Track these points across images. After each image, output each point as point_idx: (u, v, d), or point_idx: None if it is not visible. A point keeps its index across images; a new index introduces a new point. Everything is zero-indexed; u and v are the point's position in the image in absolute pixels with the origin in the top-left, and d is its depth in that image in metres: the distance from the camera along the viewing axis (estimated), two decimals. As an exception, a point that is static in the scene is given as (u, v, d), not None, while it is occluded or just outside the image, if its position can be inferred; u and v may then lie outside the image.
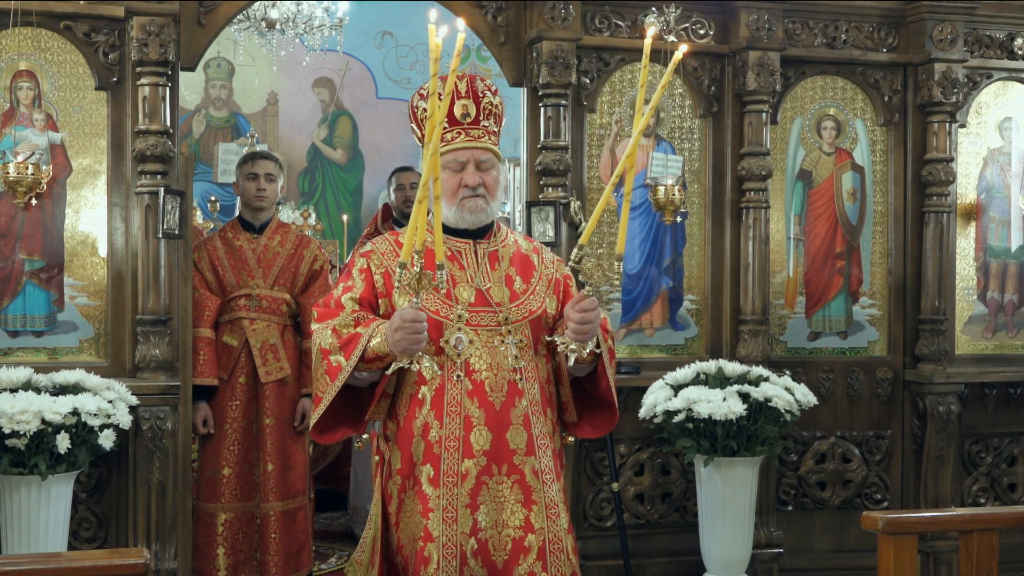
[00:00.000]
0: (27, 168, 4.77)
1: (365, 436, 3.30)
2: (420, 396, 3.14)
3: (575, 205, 5.42)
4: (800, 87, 5.86)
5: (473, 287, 3.20)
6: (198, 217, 9.33)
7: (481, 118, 3.21)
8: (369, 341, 3.03)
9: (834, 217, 5.90)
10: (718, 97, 5.74)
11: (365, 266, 3.23)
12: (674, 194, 5.47)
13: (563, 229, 5.40)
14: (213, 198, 10.38)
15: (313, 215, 11.05)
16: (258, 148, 9.78)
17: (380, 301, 3.20)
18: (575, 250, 2.98)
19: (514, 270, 3.27)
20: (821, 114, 5.89)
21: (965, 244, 6.03)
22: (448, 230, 3.22)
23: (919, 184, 5.93)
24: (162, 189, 4.93)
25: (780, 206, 5.82)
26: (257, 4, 9.28)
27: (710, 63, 5.72)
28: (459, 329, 3.12)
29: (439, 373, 3.07)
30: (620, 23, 5.58)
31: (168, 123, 4.98)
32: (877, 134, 5.96)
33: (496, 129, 3.26)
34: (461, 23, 2.82)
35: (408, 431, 3.16)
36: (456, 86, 3.16)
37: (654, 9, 5.53)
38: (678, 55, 2.90)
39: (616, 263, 2.97)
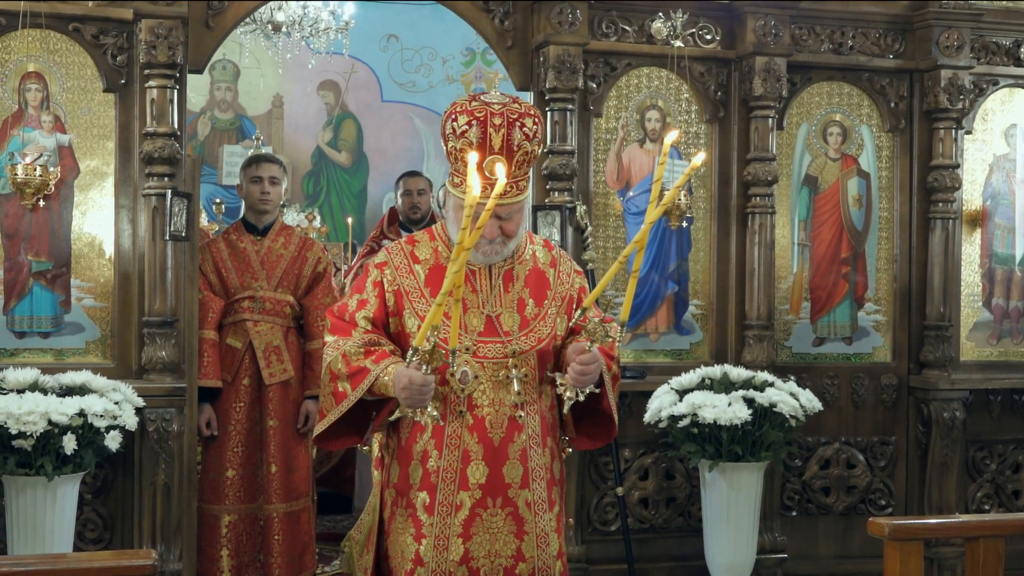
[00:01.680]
0: (35, 170, 4.79)
1: (365, 449, 3.35)
2: (423, 423, 3.16)
3: (581, 209, 5.43)
4: (806, 93, 5.86)
5: (484, 313, 3.19)
6: (203, 219, 9.33)
7: (512, 168, 3.09)
8: (377, 379, 3.05)
9: (840, 223, 5.90)
10: (724, 102, 5.74)
11: (379, 279, 3.21)
12: (680, 199, 5.47)
13: (569, 233, 5.41)
14: (218, 200, 10.38)
15: (318, 218, 11.06)
16: (263, 150, 9.80)
17: (391, 320, 3.21)
18: (578, 311, 3.05)
19: (528, 291, 3.25)
20: (827, 120, 5.90)
21: (970, 250, 6.03)
22: None
23: (925, 190, 5.93)
24: (169, 191, 4.94)
25: (786, 211, 5.83)
26: (263, 7, 9.29)
27: (716, 68, 5.72)
28: (466, 362, 3.12)
29: (442, 424, 3.12)
30: (627, 28, 5.59)
31: (176, 125, 4.99)
32: (883, 140, 5.96)
33: (527, 170, 3.16)
34: (502, 172, 2.81)
35: (408, 452, 3.20)
36: (490, 139, 3.05)
37: (661, 14, 5.54)
38: (696, 162, 2.91)
39: (620, 327, 3.01)
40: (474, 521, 3.16)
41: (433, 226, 3.34)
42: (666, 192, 3.03)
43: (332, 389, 3.14)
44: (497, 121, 3.05)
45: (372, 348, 3.13)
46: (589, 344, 3.02)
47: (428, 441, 3.15)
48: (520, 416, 3.18)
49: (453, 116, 3.09)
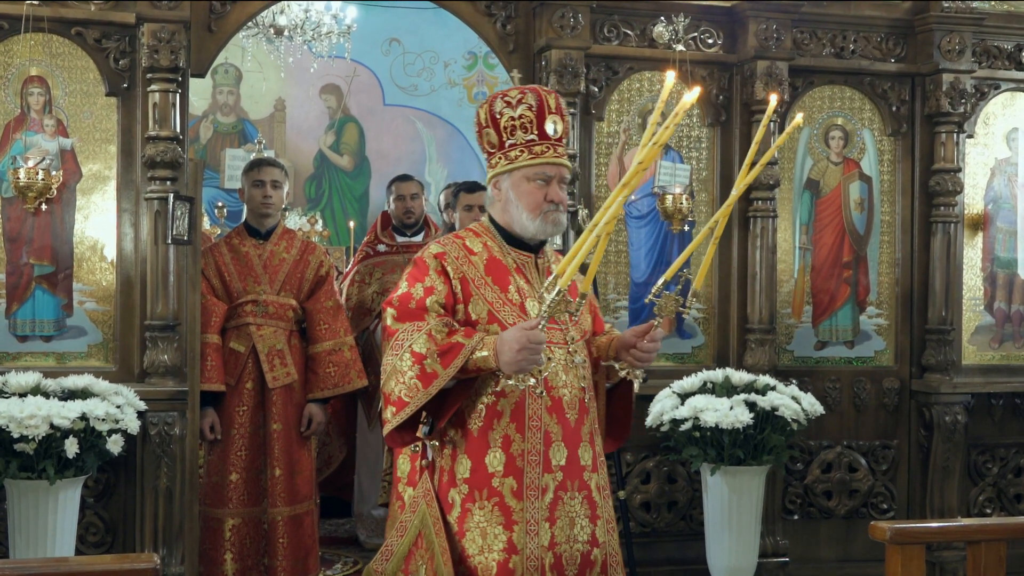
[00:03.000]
0: (37, 173, 4.79)
1: (436, 443, 3.21)
2: (499, 408, 3.14)
3: (583, 213, 5.43)
4: (808, 97, 5.86)
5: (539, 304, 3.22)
6: (205, 223, 9.34)
7: (564, 136, 3.26)
8: (472, 353, 3.02)
9: (841, 226, 5.90)
10: (726, 106, 5.74)
11: (440, 268, 3.20)
12: (682, 203, 5.48)
13: (571, 237, 5.41)
14: (220, 204, 10.40)
15: (320, 221, 11.06)
16: (265, 154, 9.81)
17: (457, 307, 3.19)
18: (660, 282, 3.18)
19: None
20: (829, 124, 5.90)
21: (972, 254, 6.03)
22: (512, 241, 3.28)
23: (926, 194, 5.93)
24: (171, 195, 4.94)
25: (788, 215, 5.83)
26: (265, 11, 9.30)
27: (718, 72, 5.73)
28: None
29: (539, 391, 3.11)
30: (629, 32, 5.59)
31: (178, 129, 5.00)
32: (885, 144, 5.96)
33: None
34: (694, 93, 2.88)
35: (483, 441, 3.15)
36: (547, 101, 3.22)
37: (663, 18, 5.54)
38: (797, 120, 3.13)
39: (691, 299, 3.22)
40: (557, 504, 3.16)
41: (471, 225, 3.40)
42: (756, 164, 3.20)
43: (418, 372, 3.03)
44: (546, 87, 3.29)
45: (452, 328, 3.10)
46: (658, 321, 3.15)
47: (508, 425, 3.13)
48: (588, 399, 3.26)
49: (501, 95, 3.25)
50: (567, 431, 3.19)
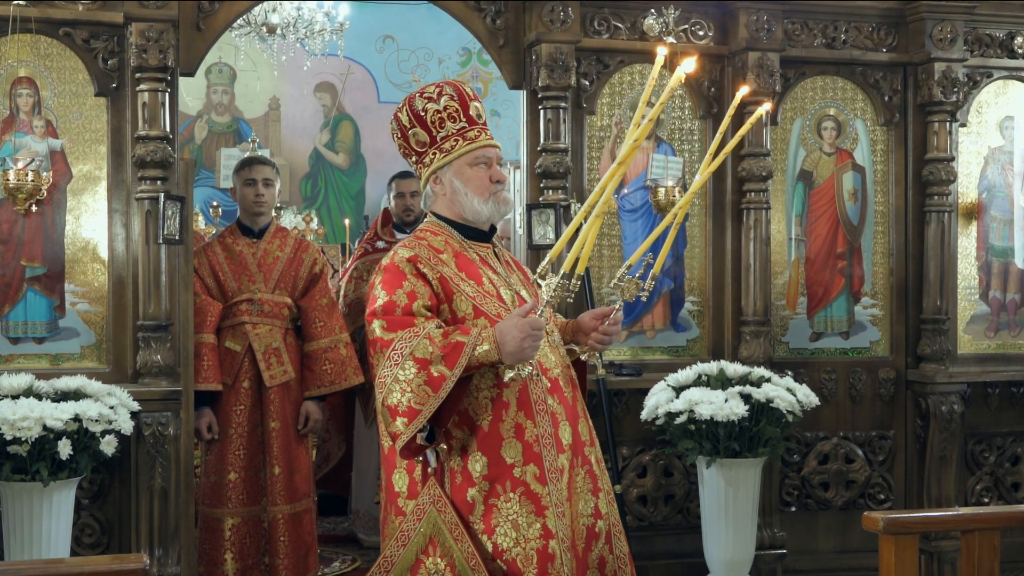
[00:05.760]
0: (27, 175, 4.80)
1: (444, 446, 3.14)
2: (504, 399, 3.13)
3: (575, 207, 5.42)
4: (800, 87, 5.85)
5: (511, 290, 3.27)
6: (200, 222, 9.34)
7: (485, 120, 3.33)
8: (474, 350, 2.99)
9: (835, 217, 5.89)
10: (718, 98, 5.73)
11: (416, 272, 3.15)
12: (675, 196, 5.47)
13: (564, 231, 5.39)
14: (215, 203, 10.39)
15: (315, 219, 11.06)
16: (260, 153, 9.80)
17: (441, 307, 3.16)
18: (623, 268, 3.23)
19: (519, 273, 3.39)
20: (821, 114, 5.89)
21: (967, 243, 6.02)
22: (468, 233, 3.30)
23: (920, 184, 5.92)
24: (162, 195, 4.94)
25: (781, 207, 5.82)
26: (257, 9, 9.30)
27: (710, 64, 5.71)
28: None
29: (536, 374, 3.11)
30: (619, 25, 5.58)
31: (168, 129, 4.99)
32: (877, 134, 5.95)
33: None
34: (689, 66, 2.96)
35: (495, 435, 3.12)
36: (464, 90, 3.28)
37: (653, 11, 5.53)
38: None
39: (651, 279, 3.28)
40: (572, 482, 3.19)
41: (425, 224, 3.36)
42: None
43: (425, 378, 2.97)
44: (457, 82, 3.34)
45: (448, 328, 3.08)
46: (619, 304, 3.22)
47: (517, 414, 3.13)
48: (574, 375, 3.31)
49: (418, 94, 3.29)
50: (568, 409, 3.22)
